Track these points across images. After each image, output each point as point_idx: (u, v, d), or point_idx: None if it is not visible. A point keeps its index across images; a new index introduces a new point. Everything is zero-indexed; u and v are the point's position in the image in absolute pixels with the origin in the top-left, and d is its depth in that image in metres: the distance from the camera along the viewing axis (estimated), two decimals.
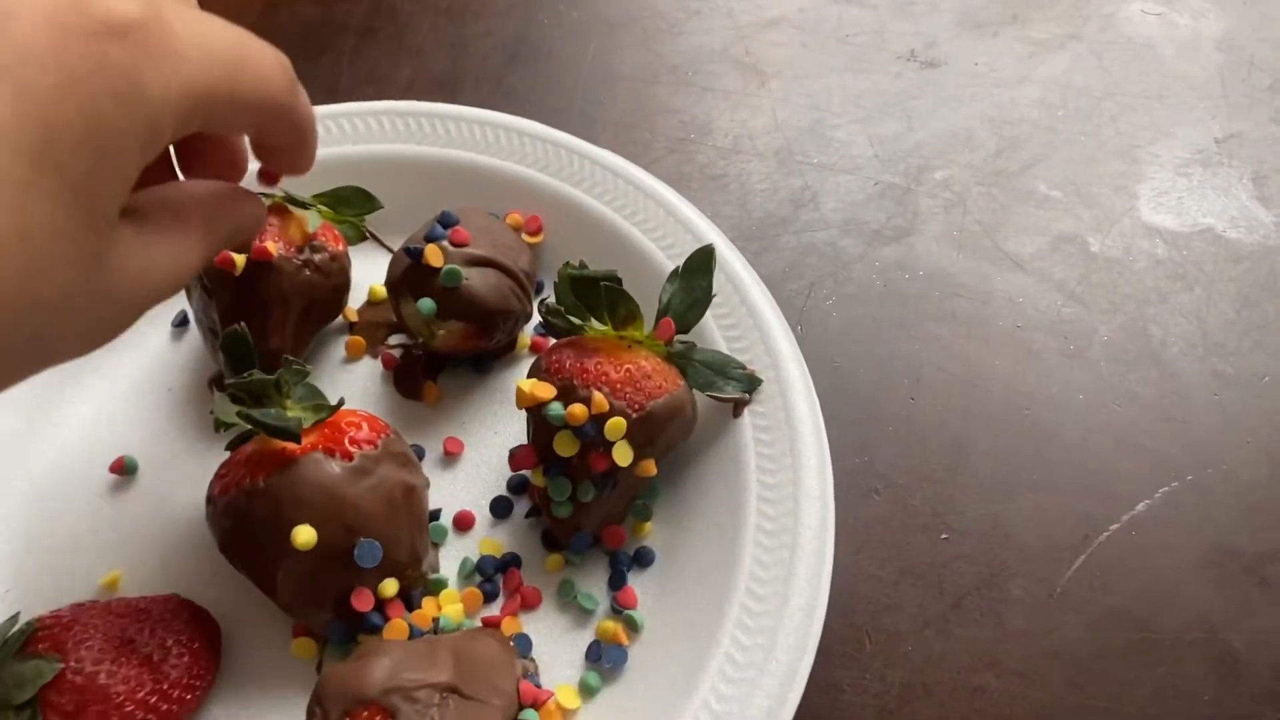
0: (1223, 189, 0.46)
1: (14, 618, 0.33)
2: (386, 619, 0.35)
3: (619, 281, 0.36)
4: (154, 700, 0.33)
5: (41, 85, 0.23)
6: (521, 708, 0.34)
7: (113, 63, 0.24)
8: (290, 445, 0.34)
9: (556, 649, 0.36)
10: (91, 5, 0.24)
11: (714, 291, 0.37)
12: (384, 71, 0.52)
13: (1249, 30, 0.51)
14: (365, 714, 0.30)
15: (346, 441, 0.35)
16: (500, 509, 0.39)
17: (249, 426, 0.35)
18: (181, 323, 0.44)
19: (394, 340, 0.44)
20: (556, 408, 0.35)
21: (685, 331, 0.37)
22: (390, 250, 0.45)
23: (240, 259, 0.39)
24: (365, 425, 0.36)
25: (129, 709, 0.32)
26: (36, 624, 0.33)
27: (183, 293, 0.42)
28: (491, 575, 0.38)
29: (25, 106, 0.22)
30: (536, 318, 0.43)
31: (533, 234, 0.44)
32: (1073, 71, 0.50)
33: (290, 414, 0.35)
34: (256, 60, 0.28)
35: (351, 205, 0.43)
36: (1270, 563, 0.37)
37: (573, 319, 0.37)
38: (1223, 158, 0.47)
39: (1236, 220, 0.45)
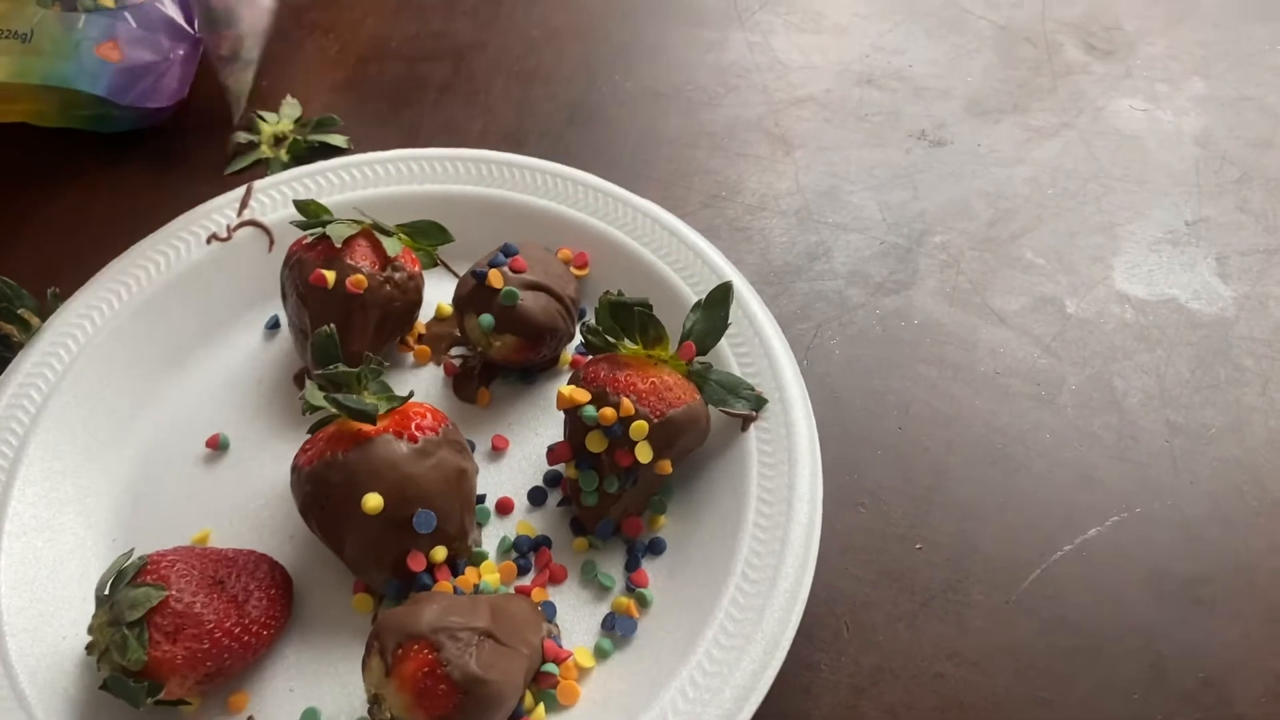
0: (1189, 265, 0.52)
1: (129, 552, 0.40)
2: (435, 580, 0.41)
3: (650, 308, 0.43)
4: (237, 632, 0.39)
5: None
6: (544, 661, 0.40)
7: None
8: (366, 427, 0.41)
9: (577, 618, 0.42)
10: None
11: (730, 322, 0.44)
12: (459, 124, 0.60)
13: (1225, 129, 0.57)
14: (415, 647, 0.36)
15: (413, 427, 0.41)
16: (536, 497, 0.45)
17: (332, 410, 0.41)
18: (273, 326, 0.51)
19: (455, 351, 0.50)
20: (590, 410, 0.42)
21: (704, 354, 0.44)
22: (456, 275, 0.52)
23: (331, 276, 0.46)
24: (429, 415, 0.42)
25: (217, 636, 0.39)
26: (147, 559, 0.39)
27: (276, 295, 0.50)
28: (525, 552, 0.44)
29: None
30: (578, 339, 0.49)
31: (580, 268, 0.51)
32: (1064, 156, 0.56)
33: (368, 401, 0.42)
34: None
35: (427, 236, 0.50)
36: (1203, 585, 0.42)
37: (609, 338, 0.44)
38: (1191, 238, 0.53)
39: (1199, 293, 0.51)
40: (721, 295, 0.44)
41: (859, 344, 0.49)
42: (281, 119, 0.59)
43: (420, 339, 0.51)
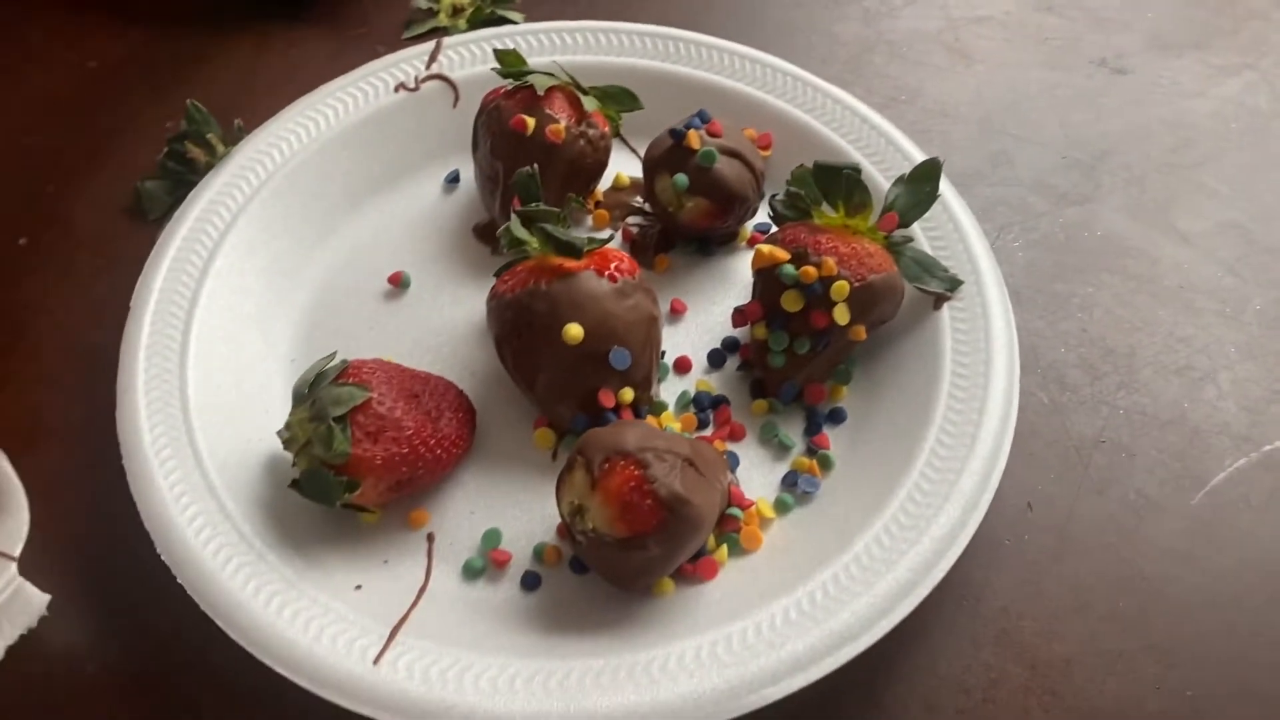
0: None
1: (332, 354, 0.40)
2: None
3: (859, 171, 0.42)
4: (431, 443, 0.39)
5: None
6: (729, 505, 0.40)
7: None
8: (569, 261, 0.41)
9: (757, 474, 0.42)
10: None
11: (939, 194, 0.44)
12: (634, 14, 0.59)
13: None
14: (623, 462, 0.36)
15: (613, 267, 0.41)
16: (716, 359, 0.45)
17: (534, 245, 0.41)
18: (453, 180, 0.52)
19: (632, 219, 0.50)
20: (790, 268, 0.42)
21: (907, 226, 0.44)
22: (634, 150, 0.52)
23: (532, 122, 0.46)
24: (626, 261, 0.42)
25: (416, 444, 0.39)
26: (349, 363, 0.40)
27: (458, 150, 0.50)
28: (705, 408, 0.44)
29: None
30: (758, 218, 0.49)
31: (764, 148, 0.50)
32: (1246, 93, 0.56)
33: (577, 237, 0.42)
34: None
35: (618, 101, 0.50)
36: None
37: (809, 203, 0.44)
38: None
39: None
40: (929, 170, 0.43)
41: (1041, 249, 0.49)
42: None
43: (599, 204, 0.51)
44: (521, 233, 0.42)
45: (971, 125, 0.54)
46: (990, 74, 0.56)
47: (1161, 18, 0.60)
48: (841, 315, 0.41)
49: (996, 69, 0.57)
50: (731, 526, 0.40)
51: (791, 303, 0.42)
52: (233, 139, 0.51)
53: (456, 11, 0.59)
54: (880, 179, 0.47)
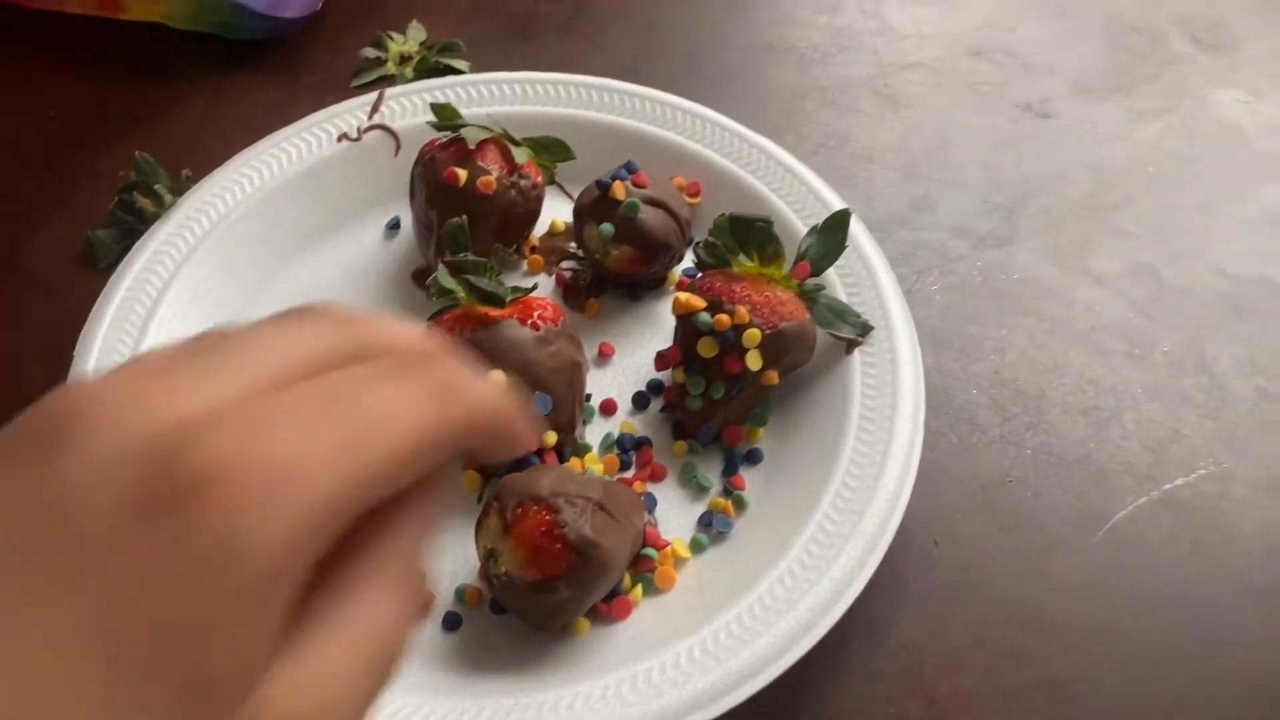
0: None
1: None
2: (543, 464, 0.43)
3: (771, 224, 0.44)
4: None
5: (121, 580, 0.18)
6: (645, 545, 0.42)
7: (198, 529, 0.18)
8: (493, 311, 0.43)
9: (674, 514, 0.44)
10: (174, 466, 0.18)
11: (847, 245, 0.45)
12: (577, 61, 0.62)
13: None
14: (534, 507, 0.38)
15: (536, 316, 0.43)
16: (640, 401, 0.47)
17: (461, 294, 0.43)
18: (394, 226, 0.53)
19: (566, 264, 0.52)
20: (705, 316, 0.43)
21: (818, 275, 0.45)
22: (570, 196, 0.54)
23: (464, 174, 0.48)
24: (550, 308, 0.44)
25: None
26: None
27: (398, 199, 0.52)
28: (628, 449, 0.45)
29: (102, 609, 0.18)
30: (685, 263, 0.51)
31: (692, 196, 0.52)
32: (1164, 138, 0.58)
33: (500, 286, 0.43)
34: (389, 424, 0.20)
35: (550, 151, 0.52)
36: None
37: (725, 254, 0.46)
38: None
39: None
40: (839, 220, 0.45)
41: (959, 292, 0.51)
42: (408, 40, 0.62)
43: (534, 250, 0.53)
44: (449, 282, 0.43)
45: (897, 170, 0.56)
46: (917, 119, 0.58)
47: (1087, 62, 0.61)
48: (754, 361, 0.43)
49: (923, 114, 0.58)
50: (646, 567, 0.41)
51: (707, 349, 0.44)
52: (180, 189, 0.52)
53: (404, 60, 0.61)
54: (800, 227, 0.49)
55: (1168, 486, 0.45)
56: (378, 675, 0.21)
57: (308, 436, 0.20)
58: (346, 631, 0.21)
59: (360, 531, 0.21)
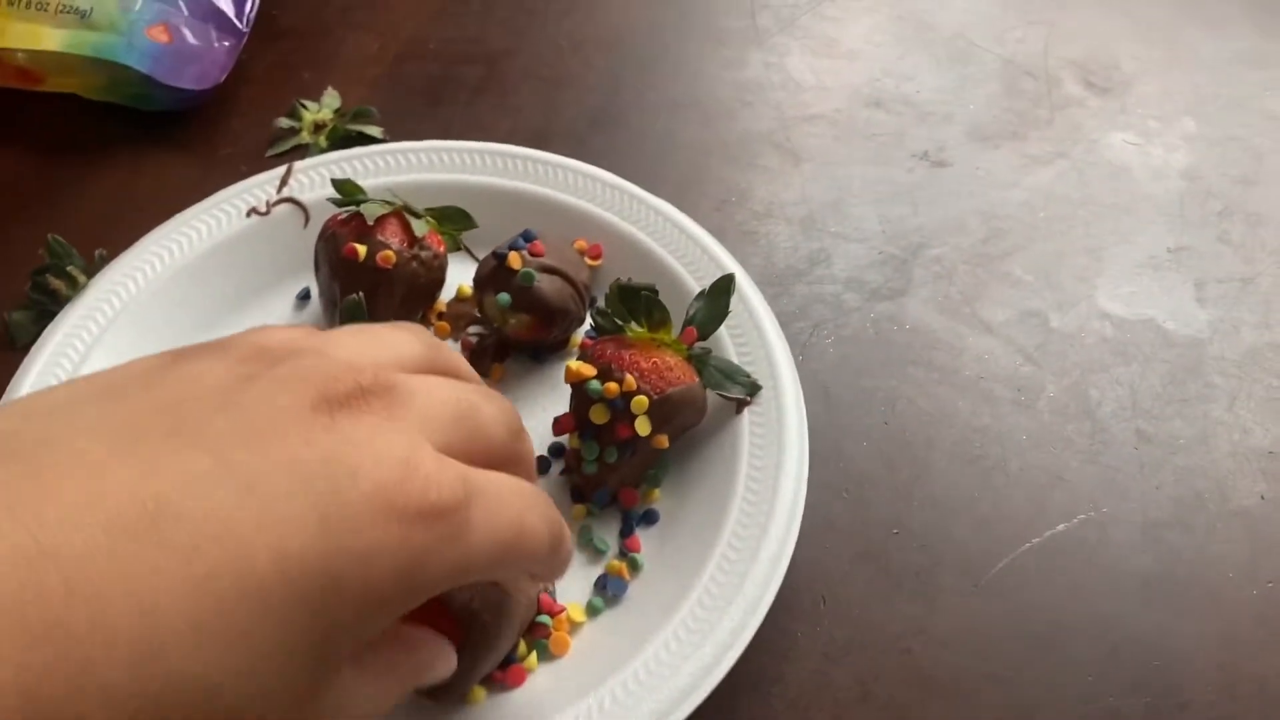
0: (1168, 289, 0.55)
1: None
2: None
3: (655, 292, 0.46)
4: None
5: (342, 548, 0.23)
6: (540, 613, 0.43)
7: (412, 545, 0.24)
8: None
9: (572, 578, 0.45)
10: (415, 488, 0.25)
11: (730, 311, 0.47)
12: (489, 123, 0.63)
13: (1211, 166, 0.60)
14: None
15: None
16: (541, 466, 0.48)
17: None
18: (304, 297, 0.55)
19: (472, 330, 0.54)
20: (595, 384, 0.45)
21: (704, 339, 0.47)
22: (477, 260, 0.55)
23: (363, 250, 0.49)
24: None
25: None
26: None
27: (309, 268, 0.53)
28: None
29: (322, 562, 0.23)
30: (588, 324, 0.52)
31: (594, 258, 0.54)
32: (1057, 182, 0.59)
33: None
34: (531, 535, 0.29)
35: (453, 220, 0.53)
36: (1161, 583, 0.45)
37: (617, 320, 0.47)
38: (1173, 264, 0.56)
39: (1175, 315, 0.53)
40: (724, 285, 0.47)
41: (852, 344, 0.52)
42: (322, 108, 0.63)
43: (441, 316, 0.54)
44: None
45: (795, 225, 0.57)
46: (816, 172, 0.60)
47: (982, 109, 0.63)
48: (643, 427, 0.44)
49: (822, 167, 0.60)
50: (541, 634, 0.43)
51: (598, 415, 0.45)
52: (95, 269, 0.53)
53: (318, 129, 0.62)
54: (696, 288, 0.50)
55: (1049, 533, 0.46)
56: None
57: (497, 511, 0.27)
58: None
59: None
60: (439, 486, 0.25)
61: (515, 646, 0.42)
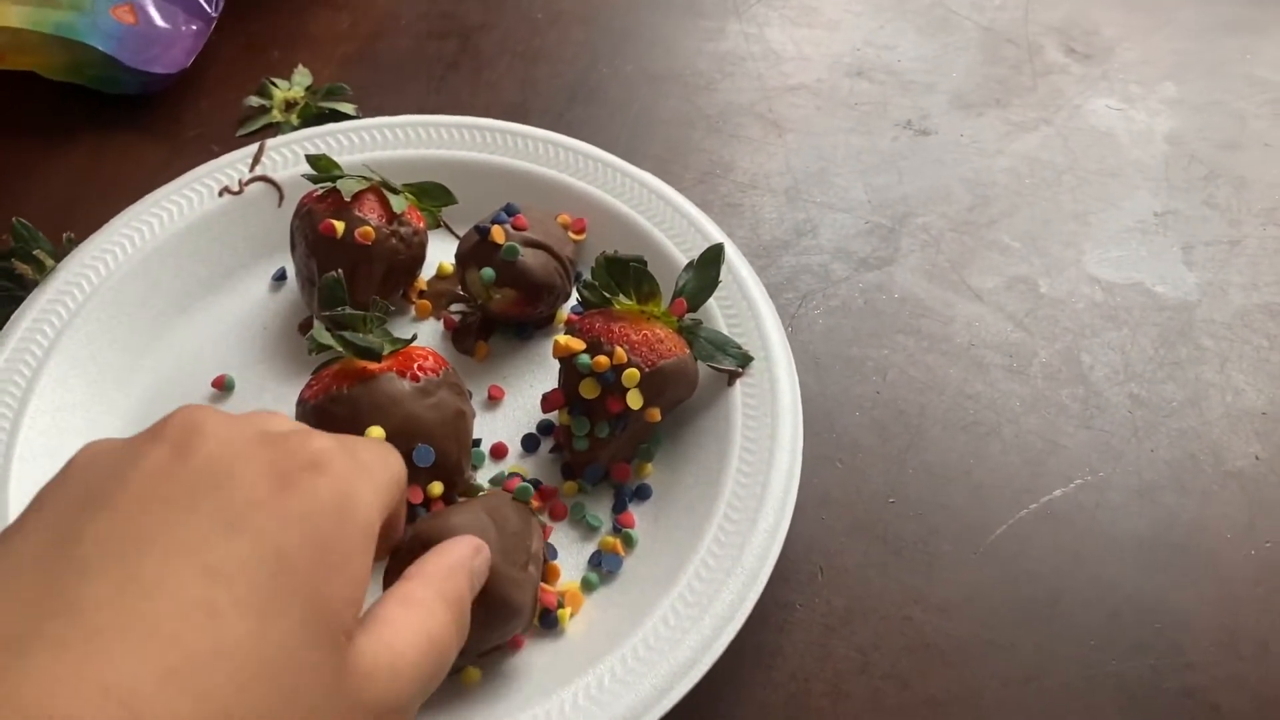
0: (1156, 253, 0.54)
1: None
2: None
3: (644, 263, 0.45)
4: None
5: (269, 526, 0.25)
6: (546, 611, 0.42)
7: (326, 490, 0.27)
8: (371, 364, 0.43)
9: (566, 555, 0.44)
10: (296, 452, 0.27)
11: (720, 282, 0.46)
12: (464, 99, 0.62)
13: (1194, 131, 0.60)
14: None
15: (415, 367, 0.43)
16: (530, 444, 0.48)
17: (338, 349, 0.43)
18: (280, 277, 0.53)
19: (455, 307, 0.52)
20: (585, 358, 0.44)
21: (694, 310, 0.46)
22: (458, 237, 0.54)
23: (341, 226, 0.48)
24: (431, 358, 0.44)
25: None
26: None
27: (285, 248, 0.51)
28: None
29: (256, 547, 0.24)
30: (573, 300, 0.51)
31: (578, 233, 0.53)
32: (1041, 149, 0.59)
33: (373, 340, 0.44)
34: (395, 459, 0.32)
35: (432, 196, 0.52)
36: (1159, 546, 0.44)
37: (604, 294, 0.46)
38: (1159, 228, 0.55)
39: (1164, 278, 0.53)
40: (713, 255, 0.46)
41: (841, 314, 0.52)
42: (293, 86, 0.61)
43: (422, 294, 0.53)
44: (324, 338, 0.43)
45: (780, 196, 0.56)
46: (800, 143, 0.59)
47: (964, 77, 0.63)
48: (635, 400, 0.44)
49: (806, 138, 0.59)
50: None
51: (589, 390, 0.44)
52: (62, 252, 0.52)
53: (289, 107, 0.61)
54: (683, 260, 0.49)
55: (1045, 499, 0.46)
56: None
57: (365, 450, 0.30)
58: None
59: None
60: (302, 446, 0.28)
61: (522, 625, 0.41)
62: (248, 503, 0.25)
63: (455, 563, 0.33)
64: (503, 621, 0.38)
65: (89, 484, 0.26)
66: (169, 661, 0.22)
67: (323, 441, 0.28)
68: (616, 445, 0.45)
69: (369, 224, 0.48)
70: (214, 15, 0.63)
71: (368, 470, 0.29)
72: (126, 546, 0.24)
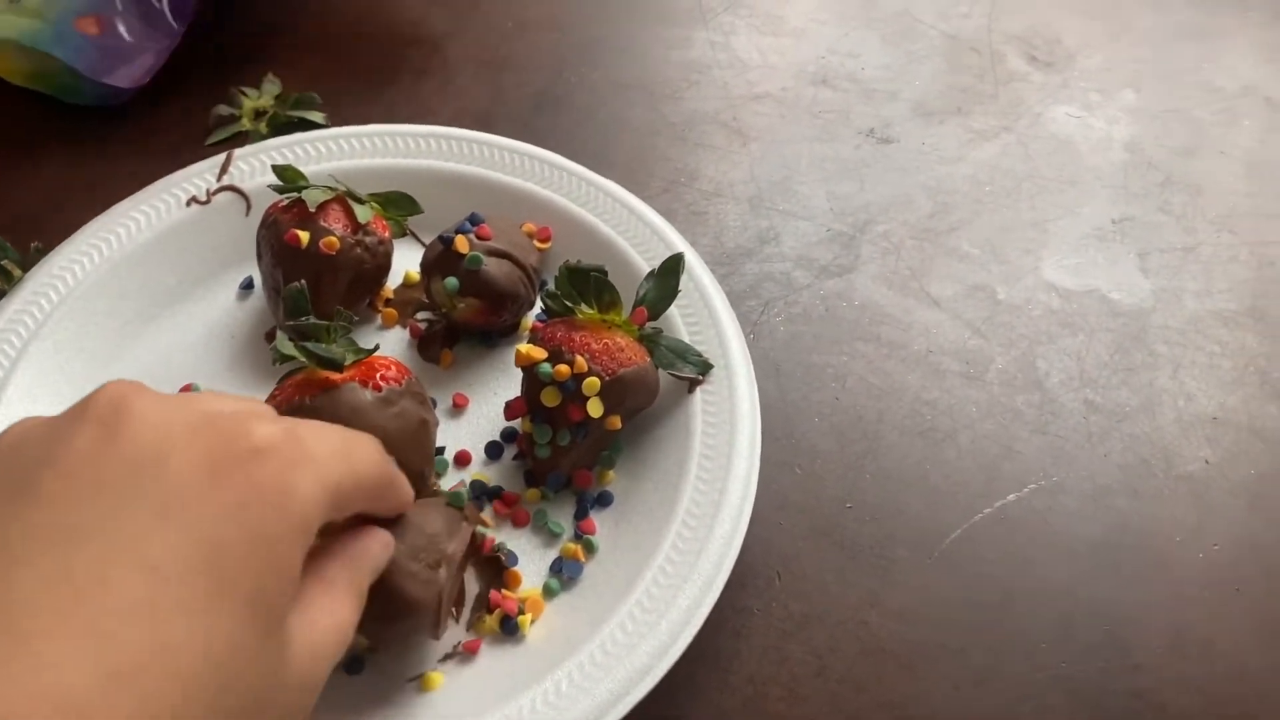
0: (1112, 260, 0.55)
1: None
2: None
3: (605, 273, 0.46)
4: None
5: (205, 516, 0.25)
6: (507, 617, 0.42)
7: (264, 480, 0.26)
8: (334, 375, 0.44)
9: (528, 561, 0.45)
10: (236, 438, 0.26)
11: (680, 291, 0.47)
12: (433, 107, 0.63)
13: (1151, 138, 0.61)
14: None
15: (378, 377, 0.44)
16: (493, 451, 0.48)
17: (301, 359, 0.44)
18: (247, 286, 0.54)
19: (420, 315, 0.53)
20: (546, 366, 0.44)
21: (655, 319, 0.47)
22: (424, 245, 0.55)
23: (305, 236, 0.48)
24: (394, 368, 0.45)
25: None
26: None
27: (252, 257, 0.52)
28: (479, 496, 0.46)
29: (193, 539, 0.24)
30: (538, 308, 0.52)
31: (543, 241, 0.53)
32: (1002, 156, 0.60)
33: (335, 351, 0.44)
34: (361, 451, 0.32)
35: (398, 206, 0.52)
36: (1111, 549, 0.45)
37: (567, 303, 0.47)
38: (1116, 235, 0.56)
39: (1120, 285, 0.54)
40: (673, 265, 0.47)
41: (802, 322, 0.53)
42: (263, 95, 0.62)
43: (388, 303, 0.53)
44: (288, 348, 0.44)
45: (744, 204, 0.57)
46: (764, 151, 0.60)
47: (927, 85, 0.64)
48: (595, 408, 0.44)
49: (770, 146, 0.60)
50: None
51: (550, 398, 0.45)
52: (30, 262, 0.52)
53: (258, 115, 0.61)
54: (646, 269, 0.50)
55: (999, 503, 0.47)
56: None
57: (317, 439, 0.29)
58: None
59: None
60: (243, 433, 0.27)
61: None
62: (183, 493, 0.25)
63: (362, 550, 0.33)
64: (396, 613, 0.38)
65: (13, 471, 0.25)
66: (111, 664, 0.22)
67: (266, 428, 0.27)
68: (578, 453, 0.46)
69: (334, 234, 0.49)
70: (179, 30, 0.64)
71: (313, 460, 0.28)
72: (58, 539, 0.23)
